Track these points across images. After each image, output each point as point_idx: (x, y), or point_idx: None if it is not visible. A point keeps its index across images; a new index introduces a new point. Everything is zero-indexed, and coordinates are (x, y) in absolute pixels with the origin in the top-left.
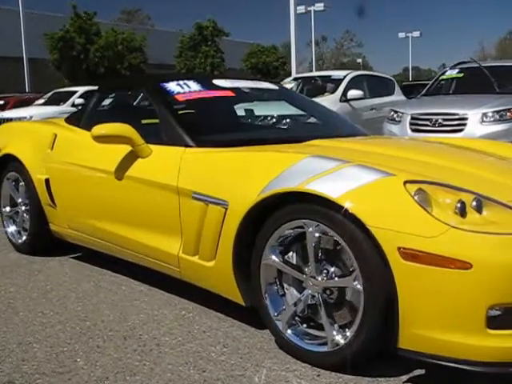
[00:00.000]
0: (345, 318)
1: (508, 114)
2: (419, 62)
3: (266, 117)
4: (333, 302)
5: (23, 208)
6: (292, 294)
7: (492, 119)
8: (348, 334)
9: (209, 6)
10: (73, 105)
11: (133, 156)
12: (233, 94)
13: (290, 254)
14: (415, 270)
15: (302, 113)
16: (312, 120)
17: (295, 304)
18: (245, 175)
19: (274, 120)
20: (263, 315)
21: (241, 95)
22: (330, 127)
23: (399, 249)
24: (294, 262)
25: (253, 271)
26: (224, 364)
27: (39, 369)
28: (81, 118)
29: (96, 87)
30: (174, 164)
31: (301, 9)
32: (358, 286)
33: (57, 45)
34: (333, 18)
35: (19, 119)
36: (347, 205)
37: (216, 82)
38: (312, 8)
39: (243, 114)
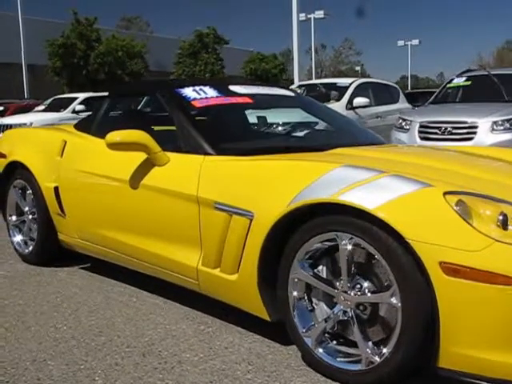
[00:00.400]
0: (378, 335)
1: None
2: (417, 70)
3: (283, 124)
4: (366, 317)
5: (30, 217)
6: (322, 309)
7: (502, 127)
8: (384, 351)
9: (207, 14)
10: (73, 111)
11: (148, 164)
12: (250, 101)
13: (320, 267)
14: (458, 286)
15: (319, 120)
16: (330, 128)
17: (326, 320)
18: (272, 185)
19: (292, 128)
20: (291, 331)
21: (258, 102)
22: (350, 135)
23: (441, 263)
24: (325, 276)
25: (279, 285)
26: (251, 383)
27: None
28: (91, 125)
29: (97, 93)
30: (193, 173)
31: (301, 16)
32: (396, 302)
33: (58, 51)
34: (332, 26)
35: (19, 126)
36: (385, 217)
37: (232, 87)
38: (312, 15)
39: (255, 121)
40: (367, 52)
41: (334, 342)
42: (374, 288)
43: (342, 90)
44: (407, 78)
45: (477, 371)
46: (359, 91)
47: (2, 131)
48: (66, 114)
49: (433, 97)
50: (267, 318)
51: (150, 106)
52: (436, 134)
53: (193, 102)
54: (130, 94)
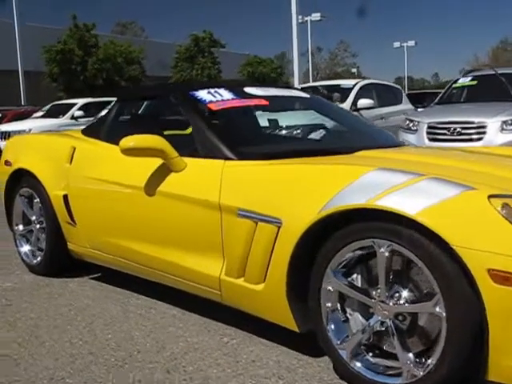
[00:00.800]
0: (418, 346)
1: None
2: (412, 71)
3: (300, 127)
4: (405, 328)
5: (38, 226)
6: (356, 320)
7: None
8: (428, 363)
9: (201, 19)
10: (72, 117)
11: (165, 170)
12: (267, 103)
13: (354, 276)
14: (508, 294)
15: (336, 122)
16: (348, 130)
17: (362, 331)
18: (301, 190)
19: (310, 130)
20: (324, 343)
21: (275, 104)
22: (370, 137)
23: (489, 271)
24: (359, 285)
25: (311, 295)
26: None
27: None
28: (101, 130)
29: (96, 99)
30: (213, 178)
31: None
32: (440, 312)
33: (55, 57)
34: (327, 29)
35: (18, 132)
36: (428, 222)
37: (247, 89)
38: (309, 18)
39: (266, 123)
40: (363, 54)
41: (370, 353)
42: (413, 297)
43: (346, 91)
44: (403, 79)
45: None
46: (363, 92)
47: (1, 139)
48: (64, 120)
49: (438, 97)
50: (296, 330)
51: (151, 111)
52: (445, 134)
53: (209, 105)
54: (141, 98)
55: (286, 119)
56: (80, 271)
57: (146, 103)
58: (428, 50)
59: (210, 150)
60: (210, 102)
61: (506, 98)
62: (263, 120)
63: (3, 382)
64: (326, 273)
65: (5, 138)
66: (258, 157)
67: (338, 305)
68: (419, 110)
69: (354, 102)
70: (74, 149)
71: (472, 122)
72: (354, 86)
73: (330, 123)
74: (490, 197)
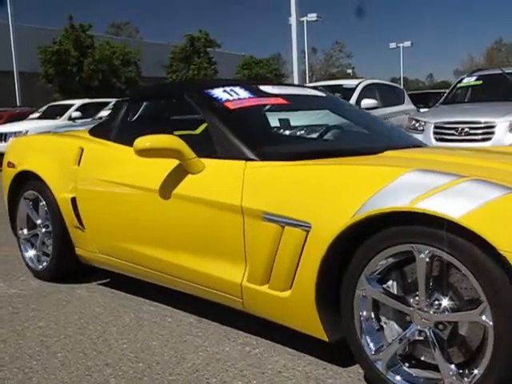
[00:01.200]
0: (458, 357)
1: None
2: (407, 72)
3: (320, 126)
4: (446, 337)
5: (43, 230)
6: (392, 328)
7: None
8: (475, 373)
9: (196, 20)
10: (70, 118)
11: (181, 171)
12: (285, 102)
13: (390, 282)
14: None
15: (356, 122)
16: (369, 130)
17: (400, 341)
18: (332, 193)
19: (332, 130)
20: (357, 353)
21: (293, 102)
22: (393, 137)
23: None
24: (395, 292)
25: (343, 303)
26: None
27: None
28: (110, 130)
29: (93, 100)
30: (234, 180)
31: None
32: (486, 320)
33: (51, 58)
34: (322, 30)
35: (14, 134)
36: (473, 226)
37: (263, 88)
38: (305, 18)
39: (277, 123)
40: (358, 55)
41: (406, 364)
42: (454, 305)
43: (349, 91)
44: (397, 79)
45: None
46: (366, 92)
47: None
48: (62, 121)
49: (443, 97)
50: (325, 339)
51: (162, 110)
52: (452, 134)
53: (226, 104)
54: (152, 97)
55: (300, 119)
56: (87, 276)
57: (149, 102)
58: (423, 51)
59: (229, 151)
60: (227, 100)
61: None
62: (273, 120)
63: None
64: (359, 279)
65: (1, 140)
66: (281, 157)
67: (372, 313)
68: (421, 110)
69: (358, 102)
70: (82, 150)
71: (480, 122)
72: (357, 86)
73: (348, 123)
74: None
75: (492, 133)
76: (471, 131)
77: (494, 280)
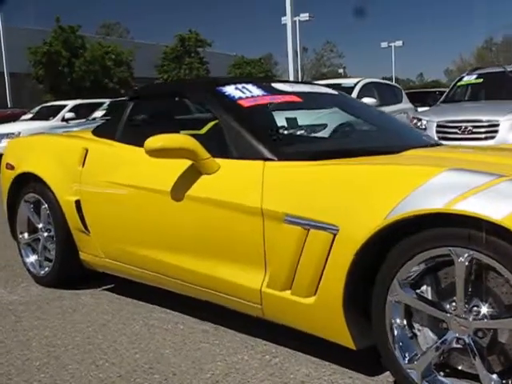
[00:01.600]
0: (498, 366)
1: None
2: (398, 71)
3: (336, 125)
4: (485, 345)
5: (45, 234)
6: (426, 336)
7: None
8: None
9: (185, 20)
10: (63, 119)
11: (195, 172)
12: (299, 100)
13: (424, 287)
14: None
15: (371, 120)
16: (386, 128)
17: (436, 349)
18: (362, 194)
19: (348, 128)
20: (389, 362)
21: (307, 100)
22: (412, 136)
23: None
24: (430, 298)
25: (374, 310)
26: None
27: None
28: (116, 130)
29: (86, 100)
30: (253, 181)
31: (285, 19)
32: None
33: (41, 59)
34: (313, 29)
35: (6, 135)
36: None
37: (276, 85)
38: (297, 18)
39: (284, 122)
40: (350, 54)
41: (441, 373)
42: (494, 311)
43: (348, 90)
44: (389, 79)
45: None
46: (365, 91)
47: None
48: (55, 122)
49: (444, 96)
50: (352, 346)
51: (168, 110)
52: (455, 133)
53: (239, 102)
54: (160, 96)
55: (313, 117)
56: (90, 282)
57: (156, 101)
58: (414, 50)
59: (246, 151)
60: (240, 98)
61: None
62: (280, 118)
63: None
64: (392, 285)
65: None
66: (301, 157)
67: (405, 320)
68: (419, 109)
69: None
70: (87, 150)
71: (484, 121)
72: (356, 84)
73: (363, 121)
74: None
75: (496, 131)
76: (474, 130)
77: None
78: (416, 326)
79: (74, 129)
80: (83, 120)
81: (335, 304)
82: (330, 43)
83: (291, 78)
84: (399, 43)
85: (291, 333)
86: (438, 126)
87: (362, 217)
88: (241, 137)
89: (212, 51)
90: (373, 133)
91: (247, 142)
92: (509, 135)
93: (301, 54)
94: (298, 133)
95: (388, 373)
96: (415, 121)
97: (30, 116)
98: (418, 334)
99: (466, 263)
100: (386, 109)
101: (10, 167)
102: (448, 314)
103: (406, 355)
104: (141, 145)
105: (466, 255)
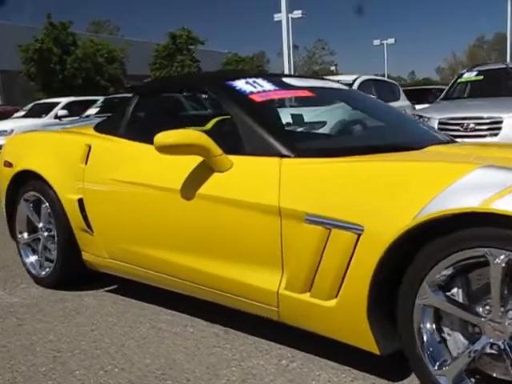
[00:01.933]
0: None
1: None
2: (390, 69)
3: (350, 121)
4: None
5: (46, 234)
6: (457, 340)
7: None
8: None
9: (176, 18)
10: (56, 117)
11: (206, 169)
12: (312, 95)
13: (455, 290)
14: None
15: (383, 116)
16: (402, 125)
17: (469, 354)
18: (389, 192)
19: (363, 124)
20: (417, 368)
21: (319, 95)
22: (427, 133)
23: None
24: (461, 301)
25: (401, 313)
26: None
27: None
28: (119, 126)
29: (80, 98)
30: (269, 179)
31: (277, 17)
32: None
33: (32, 56)
34: (305, 27)
35: None
36: None
37: (286, 80)
38: (290, 15)
39: (289, 119)
40: (342, 52)
41: (472, 380)
42: None
43: None
44: (381, 76)
45: None
46: (363, 88)
47: None
48: (48, 119)
49: (444, 93)
50: (375, 352)
51: (172, 105)
52: (458, 130)
53: (251, 96)
54: (165, 91)
55: (322, 113)
56: (92, 283)
57: (161, 96)
58: (406, 48)
59: (259, 147)
60: (251, 92)
61: None
62: (285, 115)
63: None
64: (421, 287)
65: None
66: (319, 154)
67: (434, 324)
68: (416, 106)
69: None
70: (90, 147)
71: (487, 118)
72: (354, 81)
73: (377, 117)
74: None
75: (499, 128)
76: (477, 127)
77: None
78: (446, 330)
79: (68, 126)
80: (76, 118)
81: (359, 307)
82: (322, 41)
83: None
84: (391, 41)
85: (305, 335)
86: (439, 123)
87: (389, 216)
88: (254, 133)
89: (204, 49)
90: (389, 129)
91: (261, 138)
92: None
93: (292, 52)
94: (312, 129)
95: (410, 378)
96: (416, 118)
97: (22, 113)
98: (448, 338)
99: (503, 265)
100: None
101: (8, 165)
102: (481, 318)
103: (436, 361)
104: (147, 141)
105: (503, 256)
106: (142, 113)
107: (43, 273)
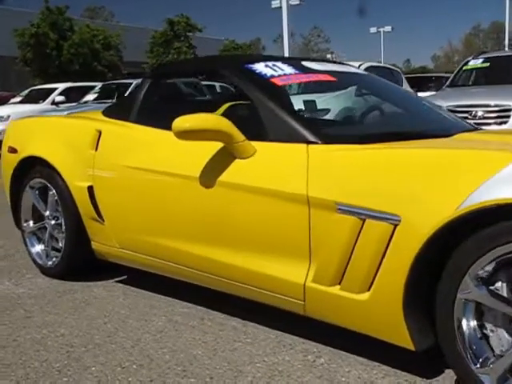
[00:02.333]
0: None
1: None
2: (386, 57)
3: (373, 107)
4: None
5: (52, 222)
6: (501, 337)
7: None
8: None
9: (172, 5)
10: (53, 102)
11: (227, 156)
12: (333, 79)
13: (499, 284)
14: None
15: (406, 103)
16: (426, 112)
17: None
18: (427, 181)
19: (387, 110)
20: (457, 366)
21: (341, 80)
22: (452, 120)
23: None
24: (505, 295)
25: (440, 308)
26: None
27: None
28: (130, 111)
29: (77, 84)
30: (296, 166)
31: (275, 3)
32: None
33: (28, 41)
34: (303, 14)
35: None
36: None
37: (306, 64)
38: (289, 2)
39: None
40: (338, 39)
41: None
42: None
43: None
44: None
45: None
46: None
47: None
48: (45, 105)
49: (449, 80)
50: (411, 347)
51: (184, 89)
52: (466, 118)
53: (272, 80)
54: (179, 74)
55: (342, 99)
56: (101, 273)
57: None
58: (402, 36)
59: (284, 133)
60: (272, 76)
61: None
62: (297, 102)
63: None
64: (463, 281)
65: None
66: (347, 140)
67: (476, 319)
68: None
69: None
70: (100, 132)
71: (495, 105)
72: (358, 68)
73: (400, 103)
74: None
75: (508, 116)
76: (486, 115)
77: None
78: (488, 326)
79: (65, 113)
80: (74, 104)
81: (394, 300)
82: (318, 28)
83: None
84: (388, 28)
85: (329, 329)
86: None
87: (428, 206)
88: (277, 118)
89: (202, 36)
90: (416, 115)
91: (286, 123)
92: None
93: (288, 39)
94: (344, 113)
95: (444, 374)
96: None
97: (19, 99)
98: (491, 335)
99: None
100: None
101: (13, 151)
102: None
103: (478, 359)
104: (160, 126)
105: None
106: (154, 97)
107: (50, 263)
